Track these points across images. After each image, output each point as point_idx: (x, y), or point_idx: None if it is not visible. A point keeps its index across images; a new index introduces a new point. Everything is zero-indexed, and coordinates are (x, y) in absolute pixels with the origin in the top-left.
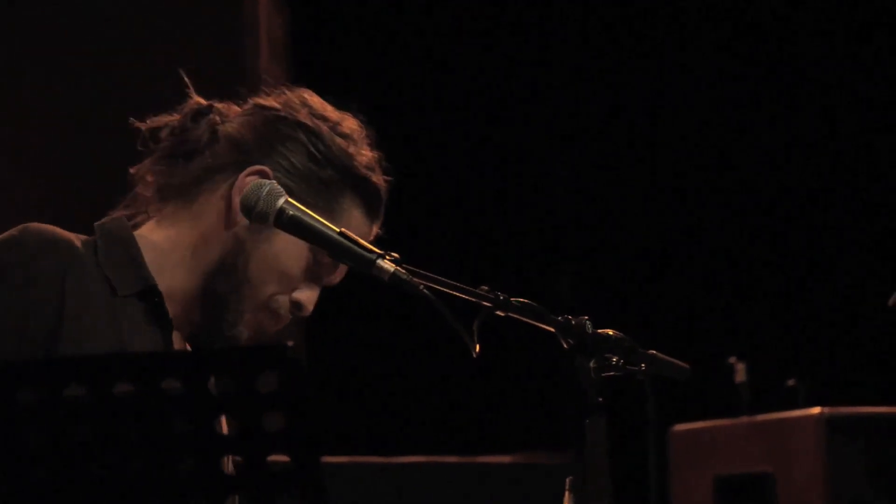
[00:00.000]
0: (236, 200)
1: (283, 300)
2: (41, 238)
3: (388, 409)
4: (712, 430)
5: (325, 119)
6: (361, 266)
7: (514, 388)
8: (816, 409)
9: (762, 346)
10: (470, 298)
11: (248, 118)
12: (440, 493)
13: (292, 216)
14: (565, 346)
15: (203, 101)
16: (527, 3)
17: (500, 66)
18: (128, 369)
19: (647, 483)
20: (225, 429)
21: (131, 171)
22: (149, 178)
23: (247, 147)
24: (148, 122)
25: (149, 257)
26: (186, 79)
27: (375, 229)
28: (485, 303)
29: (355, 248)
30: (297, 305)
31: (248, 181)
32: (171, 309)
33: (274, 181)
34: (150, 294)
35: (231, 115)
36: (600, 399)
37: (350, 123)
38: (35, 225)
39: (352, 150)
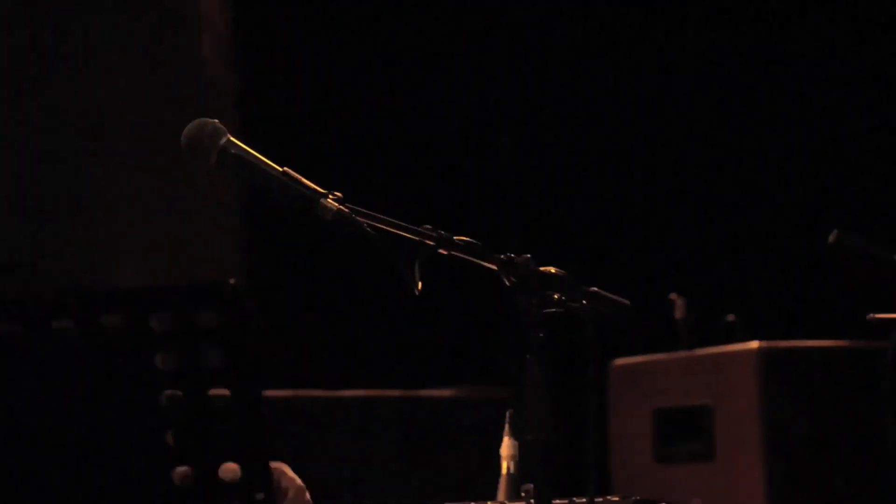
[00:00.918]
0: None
1: None
2: None
3: (331, 345)
4: (652, 364)
5: None
6: (305, 204)
7: (456, 324)
8: (754, 344)
9: (701, 282)
10: (412, 237)
11: None
12: (382, 427)
13: (235, 154)
14: (507, 283)
15: None
16: None
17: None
18: (68, 305)
19: (586, 417)
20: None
21: None
22: None
23: None
24: None
25: None
26: None
27: None
28: (427, 241)
29: (299, 186)
30: None
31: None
32: None
33: (217, 120)
34: None
35: None
36: (541, 335)
37: None
38: None
39: None
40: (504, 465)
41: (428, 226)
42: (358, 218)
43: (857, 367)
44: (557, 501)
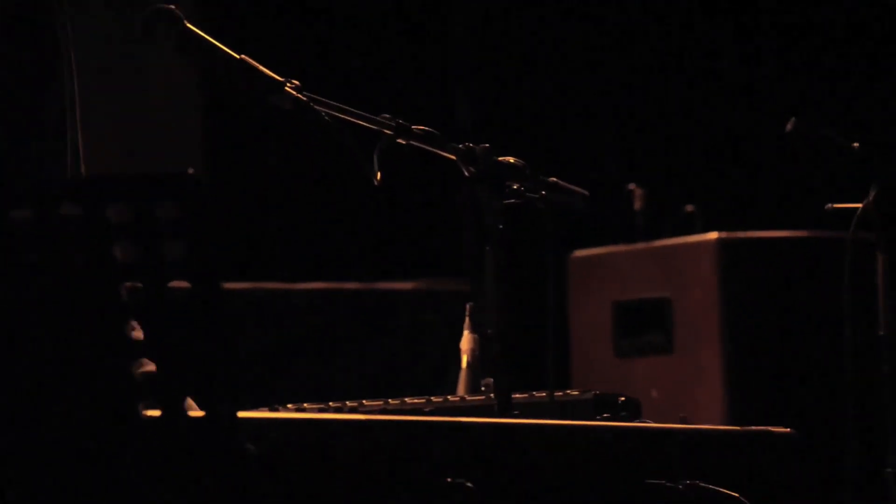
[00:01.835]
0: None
1: None
2: None
3: (290, 236)
4: (611, 256)
5: None
6: (264, 90)
7: (415, 216)
8: (713, 234)
9: (660, 172)
10: (371, 126)
11: None
12: (341, 319)
13: (193, 39)
14: (466, 173)
15: None
16: None
17: None
18: (26, 195)
19: (545, 309)
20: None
21: None
22: None
23: None
24: None
25: None
26: None
27: None
28: (386, 130)
29: (257, 72)
30: None
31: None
32: None
33: (173, 6)
34: None
35: None
36: (500, 226)
37: None
38: None
39: None
40: (464, 358)
41: (387, 115)
42: (316, 107)
43: (816, 257)
44: (517, 396)
